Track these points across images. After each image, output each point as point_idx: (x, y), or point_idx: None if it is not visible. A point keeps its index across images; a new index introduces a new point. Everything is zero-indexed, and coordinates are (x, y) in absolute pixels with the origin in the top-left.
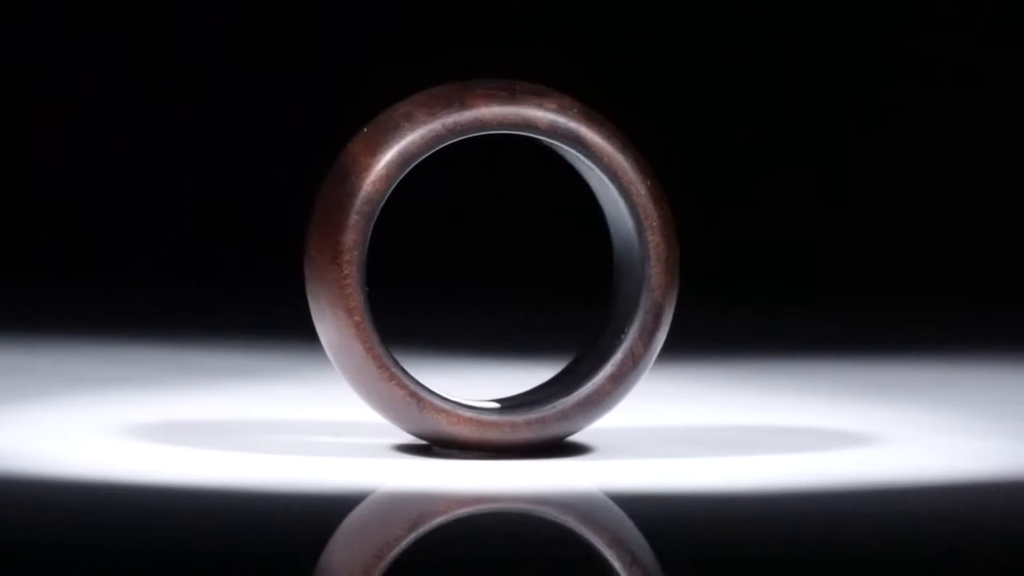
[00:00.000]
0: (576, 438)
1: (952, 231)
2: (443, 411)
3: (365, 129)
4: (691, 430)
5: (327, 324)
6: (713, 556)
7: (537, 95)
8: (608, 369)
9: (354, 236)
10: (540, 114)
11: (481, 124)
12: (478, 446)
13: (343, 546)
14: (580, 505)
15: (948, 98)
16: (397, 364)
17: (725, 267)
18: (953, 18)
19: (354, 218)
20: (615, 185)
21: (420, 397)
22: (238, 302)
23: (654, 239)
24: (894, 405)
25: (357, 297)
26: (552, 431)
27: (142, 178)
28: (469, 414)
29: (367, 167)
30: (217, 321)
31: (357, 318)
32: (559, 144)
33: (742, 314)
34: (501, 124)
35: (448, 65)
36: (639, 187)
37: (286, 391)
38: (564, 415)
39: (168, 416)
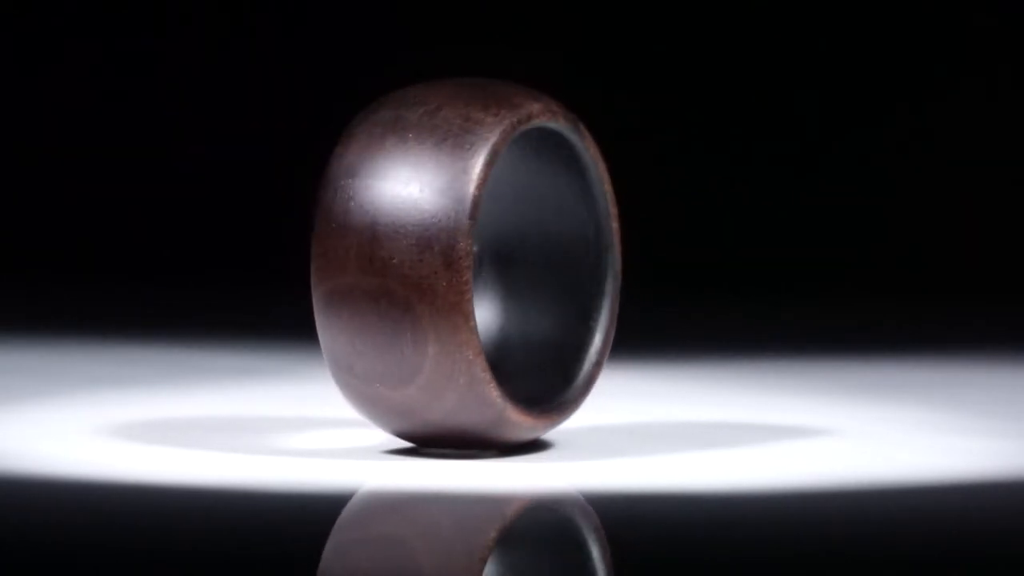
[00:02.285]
0: (564, 438)
1: (952, 231)
2: (519, 409)
3: (411, 135)
4: (690, 428)
5: (419, 332)
6: (707, 556)
7: (533, 90)
8: (594, 356)
9: (469, 240)
10: (556, 108)
11: (533, 119)
12: (519, 441)
13: (422, 545)
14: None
15: (945, 97)
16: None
17: (724, 267)
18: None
19: (468, 223)
20: (593, 174)
21: (506, 397)
22: (238, 302)
23: (616, 226)
24: (894, 405)
25: (473, 302)
26: (567, 418)
27: (142, 178)
28: (534, 410)
29: (463, 171)
30: (217, 321)
31: (472, 323)
32: (568, 136)
33: (741, 314)
34: (541, 118)
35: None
36: (607, 176)
37: (286, 391)
38: (574, 402)
39: (167, 416)
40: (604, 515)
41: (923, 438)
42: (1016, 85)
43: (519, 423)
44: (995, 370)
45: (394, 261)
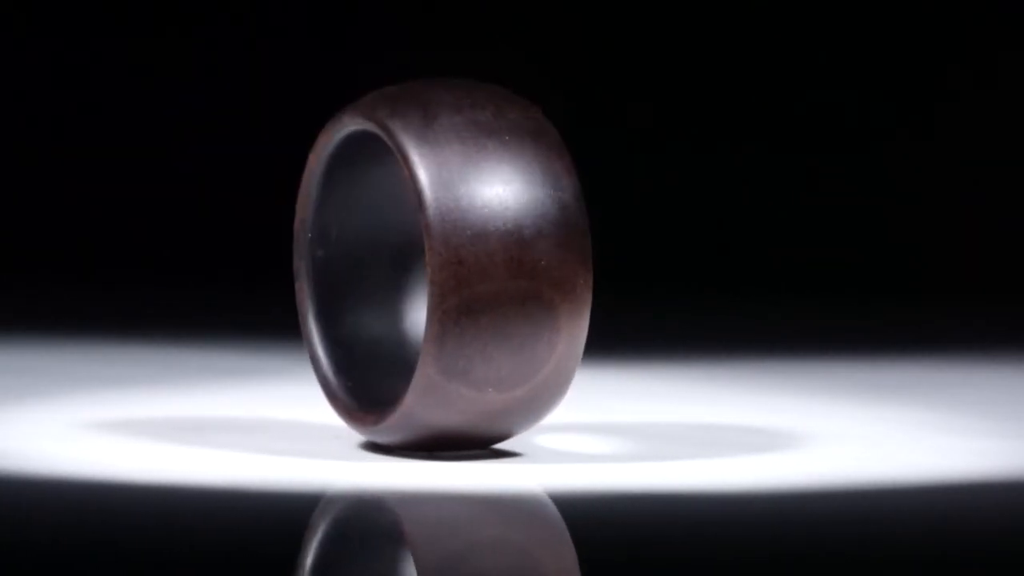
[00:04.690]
0: (562, 438)
1: (952, 231)
2: None
3: (507, 136)
4: (688, 429)
5: (555, 332)
6: (708, 557)
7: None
8: None
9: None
10: None
11: None
12: None
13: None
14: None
15: (945, 97)
16: None
17: (723, 267)
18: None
19: (587, 219)
20: None
21: None
22: (238, 302)
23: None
24: (894, 405)
25: None
26: None
27: (142, 178)
28: None
29: (568, 168)
30: (217, 321)
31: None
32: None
33: (740, 314)
34: None
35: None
36: None
37: (287, 391)
38: None
39: (168, 416)
40: (603, 515)
41: (923, 438)
42: (1017, 85)
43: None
44: (995, 370)
45: (543, 263)
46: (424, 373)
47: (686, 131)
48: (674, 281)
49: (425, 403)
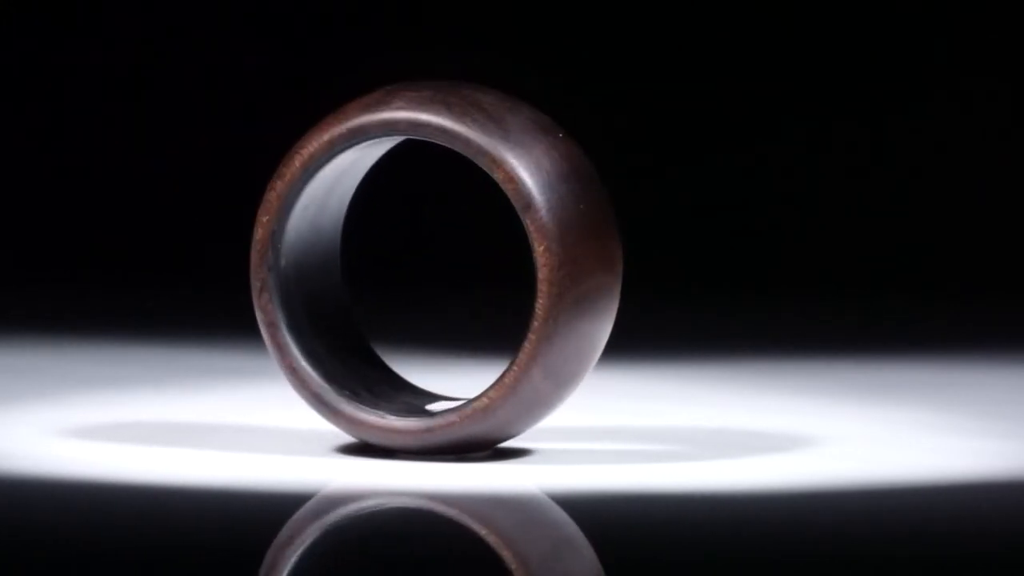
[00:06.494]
0: (559, 439)
1: (951, 231)
2: None
3: (561, 135)
4: (688, 430)
5: (610, 322)
6: (708, 558)
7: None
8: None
9: None
10: None
11: None
12: None
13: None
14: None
15: (944, 97)
16: None
17: (721, 267)
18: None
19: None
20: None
21: None
22: (238, 302)
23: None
24: (892, 405)
25: None
26: None
27: (141, 179)
28: None
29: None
30: (214, 321)
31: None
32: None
33: (738, 314)
34: None
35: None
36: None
37: (281, 392)
38: None
39: (164, 417)
40: (602, 516)
41: (923, 438)
42: (1017, 84)
43: None
44: (995, 370)
45: (617, 254)
46: (526, 374)
47: (683, 131)
48: (675, 282)
49: (508, 404)
